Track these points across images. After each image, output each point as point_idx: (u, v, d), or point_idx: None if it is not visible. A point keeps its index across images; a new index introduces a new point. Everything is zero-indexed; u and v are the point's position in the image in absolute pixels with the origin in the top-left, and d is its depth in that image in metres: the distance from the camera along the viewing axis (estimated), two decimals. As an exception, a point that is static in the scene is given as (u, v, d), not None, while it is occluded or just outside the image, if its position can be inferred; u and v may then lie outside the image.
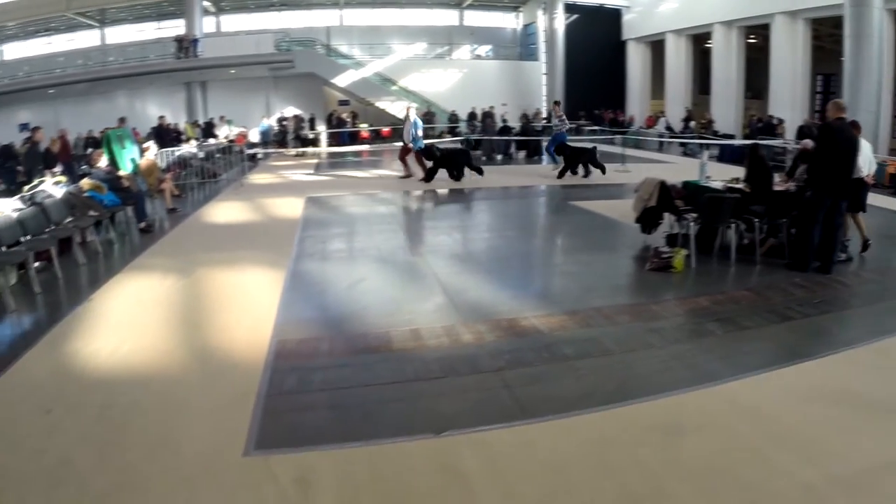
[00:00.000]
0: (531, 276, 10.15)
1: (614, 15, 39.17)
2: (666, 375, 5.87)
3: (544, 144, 25.36)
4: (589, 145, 21.12)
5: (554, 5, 38.49)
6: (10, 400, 5.78)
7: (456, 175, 18.79)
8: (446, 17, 42.77)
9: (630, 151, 24.91)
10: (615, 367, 6.07)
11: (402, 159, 20.11)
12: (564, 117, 21.81)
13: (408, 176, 19.79)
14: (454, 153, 19.68)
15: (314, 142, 33.49)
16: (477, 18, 43.30)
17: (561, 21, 38.71)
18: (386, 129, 34.96)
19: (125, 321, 7.78)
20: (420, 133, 19.39)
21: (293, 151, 30.42)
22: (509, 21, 44.30)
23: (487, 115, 31.82)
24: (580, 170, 19.88)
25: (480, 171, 19.24)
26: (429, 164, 19.11)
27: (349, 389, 5.78)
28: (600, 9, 39.69)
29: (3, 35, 41.66)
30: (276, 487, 4.29)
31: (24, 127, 29.64)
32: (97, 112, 30.73)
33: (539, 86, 40.78)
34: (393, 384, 5.84)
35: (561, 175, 19.68)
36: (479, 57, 42.92)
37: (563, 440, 4.76)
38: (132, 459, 4.69)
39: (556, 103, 22.97)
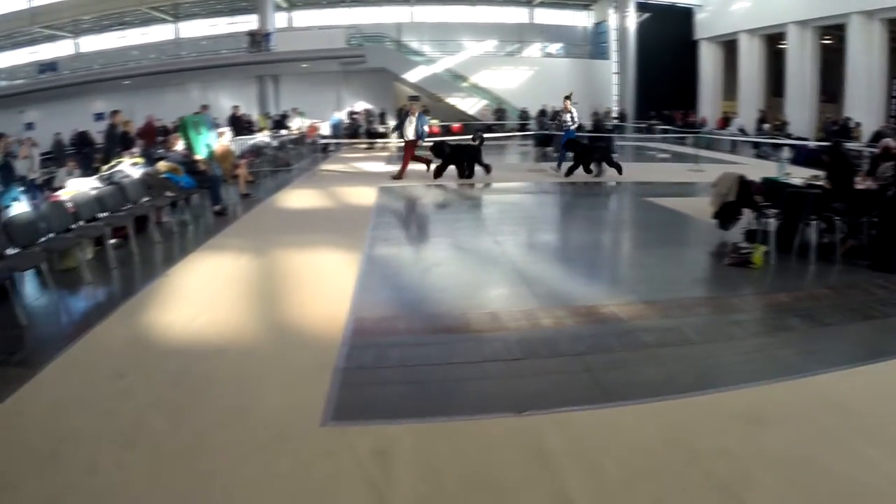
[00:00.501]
0: (608, 267, 10.17)
1: (686, 14, 38.39)
2: (748, 367, 5.78)
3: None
4: (603, 142, 20.64)
5: (625, 3, 38.27)
6: (85, 364, 5.95)
7: (465, 173, 18.21)
8: (517, 15, 42.57)
9: (702, 152, 24.49)
10: (696, 355, 5.96)
11: (416, 158, 19.11)
12: (575, 114, 20.34)
13: (428, 164, 18.79)
14: (463, 149, 18.85)
15: (384, 135, 33.66)
16: (548, 16, 43.04)
17: (632, 19, 38.44)
18: (456, 125, 34.89)
19: (201, 295, 7.97)
20: (426, 129, 18.94)
21: (364, 144, 30.61)
22: (580, 19, 43.90)
23: (559, 113, 31.55)
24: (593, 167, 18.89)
25: (488, 169, 18.53)
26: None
27: (427, 367, 5.80)
28: (672, 7, 39.10)
29: (79, 28, 42.98)
30: (353, 458, 4.29)
31: (99, 116, 30.33)
32: (170, 103, 31.23)
33: (610, 85, 40.39)
34: (472, 363, 5.85)
35: (570, 173, 18.71)
36: (549, 55, 42.62)
37: (647, 424, 4.68)
38: (206, 425, 4.77)
39: (567, 98, 20.90)
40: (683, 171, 19.69)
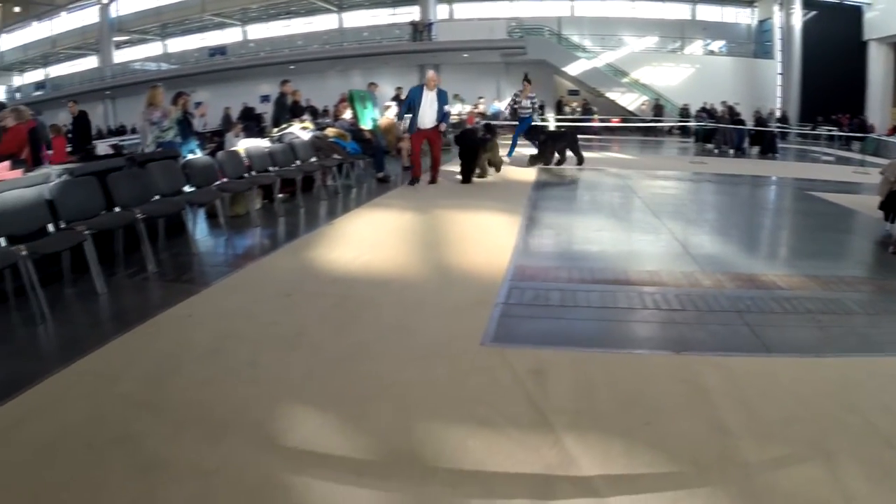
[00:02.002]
0: (769, 244, 10.13)
1: (855, 12, 36.51)
2: (914, 339, 5.58)
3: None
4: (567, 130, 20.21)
5: (791, 1, 36.71)
6: (251, 284, 6.57)
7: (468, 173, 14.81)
8: (678, 11, 41.66)
9: (868, 158, 23.63)
10: (859, 323, 5.85)
11: (414, 158, 14.04)
12: (536, 99, 18.83)
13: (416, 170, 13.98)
14: (483, 143, 16.02)
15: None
16: (710, 13, 41.92)
17: (798, 17, 36.82)
18: (616, 119, 34.67)
19: (365, 240, 8.50)
20: (447, 109, 13.85)
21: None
22: (744, 16, 42.52)
23: (715, 111, 31.04)
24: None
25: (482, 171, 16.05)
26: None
27: (587, 308, 5.98)
28: (840, 5, 37.21)
29: (247, 17, 45.34)
30: (511, 374, 4.48)
31: (265, 98, 31.80)
32: (331, 87, 32.11)
33: (773, 86, 38.83)
34: (630, 309, 5.98)
35: (533, 163, 17.66)
36: (711, 52, 41.58)
37: (806, 376, 4.63)
38: (366, 337, 5.10)
39: (527, 81, 19.06)
40: (848, 172, 19.05)
